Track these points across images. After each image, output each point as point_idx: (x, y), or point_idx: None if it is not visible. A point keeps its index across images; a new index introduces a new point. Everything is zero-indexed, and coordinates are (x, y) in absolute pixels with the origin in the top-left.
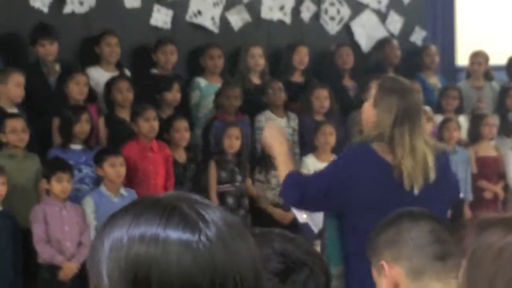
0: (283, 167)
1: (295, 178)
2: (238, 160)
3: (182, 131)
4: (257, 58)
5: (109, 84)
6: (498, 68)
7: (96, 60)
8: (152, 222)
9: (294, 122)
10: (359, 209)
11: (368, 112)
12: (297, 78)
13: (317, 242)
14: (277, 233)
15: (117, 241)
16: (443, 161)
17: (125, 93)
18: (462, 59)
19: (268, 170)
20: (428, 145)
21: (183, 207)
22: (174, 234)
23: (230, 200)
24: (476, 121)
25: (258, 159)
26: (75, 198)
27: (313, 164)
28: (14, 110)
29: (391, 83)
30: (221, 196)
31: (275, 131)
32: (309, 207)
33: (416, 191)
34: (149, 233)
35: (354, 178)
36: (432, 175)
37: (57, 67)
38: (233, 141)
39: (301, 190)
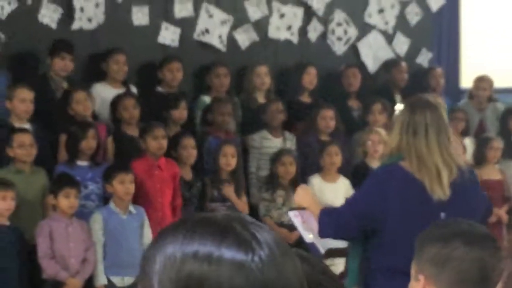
0: (315, 209)
1: (328, 214)
2: (233, 179)
3: (189, 149)
4: (263, 77)
5: (115, 102)
6: (501, 91)
7: (102, 76)
8: (206, 240)
9: (291, 143)
10: (392, 228)
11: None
12: (305, 98)
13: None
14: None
15: (170, 257)
16: (470, 177)
17: (131, 110)
18: (466, 81)
19: (275, 189)
20: (446, 161)
21: (237, 226)
22: (228, 253)
23: None
24: (482, 144)
25: (266, 178)
26: (81, 214)
27: (319, 185)
28: (26, 125)
29: (411, 99)
30: None
31: (306, 194)
32: (346, 235)
33: (441, 195)
34: (203, 251)
35: (387, 198)
36: (447, 191)
37: (65, 84)
38: (228, 159)
39: (335, 223)
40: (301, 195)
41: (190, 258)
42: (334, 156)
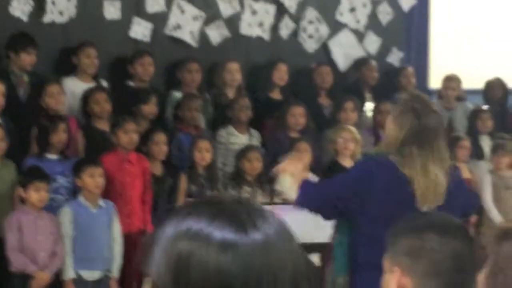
0: (297, 181)
1: (310, 186)
2: (208, 174)
3: (160, 144)
4: (234, 73)
5: (86, 96)
6: (470, 92)
7: (73, 70)
8: (200, 218)
9: (256, 140)
10: (373, 220)
11: (389, 127)
12: (276, 95)
13: None
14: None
15: (166, 235)
16: (455, 175)
17: (103, 104)
18: (434, 81)
19: (241, 185)
20: (443, 167)
21: (237, 208)
22: (218, 231)
23: None
24: (451, 143)
25: (232, 174)
26: (50, 208)
27: (289, 181)
28: None
29: (413, 101)
30: None
31: (296, 162)
32: (321, 210)
33: (424, 209)
34: (194, 228)
35: (371, 188)
36: (442, 197)
37: (26, 78)
38: (203, 154)
39: (315, 190)
40: (290, 163)
41: (182, 236)
42: (304, 152)
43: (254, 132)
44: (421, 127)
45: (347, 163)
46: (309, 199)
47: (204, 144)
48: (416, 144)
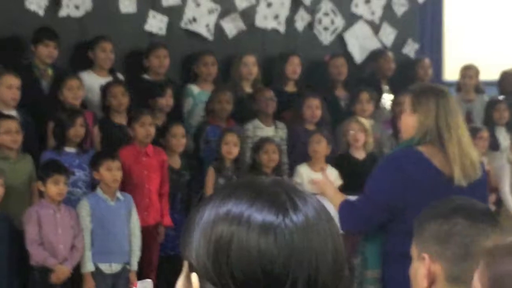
0: (335, 202)
1: (348, 206)
2: (235, 167)
3: (179, 137)
4: (250, 66)
5: (105, 89)
6: (485, 83)
7: (89, 64)
8: (241, 200)
9: (283, 132)
10: (407, 213)
11: (407, 120)
12: (290, 87)
13: None
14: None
15: (206, 219)
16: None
17: (120, 98)
18: (449, 73)
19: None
20: (470, 140)
21: (277, 190)
22: (258, 214)
23: None
24: (470, 134)
25: (248, 167)
26: (68, 201)
27: (306, 173)
28: (13, 112)
29: (423, 87)
30: None
31: (329, 185)
32: (367, 228)
33: (464, 184)
34: (234, 211)
35: (404, 183)
36: (479, 170)
37: (50, 71)
38: (231, 148)
39: (357, 213)
40: (325, 185)
41: (222, 219)
42: (316, 144)
43: (280, 124)
44: (447, 103)
45: (359, 154)
46: (352, 224)
47: (231, 138)
48: (451, 120)
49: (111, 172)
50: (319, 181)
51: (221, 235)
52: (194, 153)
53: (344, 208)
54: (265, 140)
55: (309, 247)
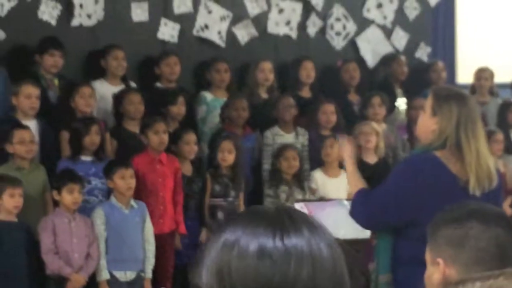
0: (352, 183)
1: (362, 198)
2: (233, 175)
3: (191, 144)
4: (267, 73)
5: (119, 97)
6: (498, 86)
7: (101, 73)
8: (236, 227)
9: (304, 138)
10: (419, 219)
11: (426, 122)
12: (305, 93)
13: None
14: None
15: (208, 250)
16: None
17: (137, 105)
18: (462, 76)
19: (278, 185)
20: (488, 149)
21: (276, 214)
22: (254, 239)
23: (220, 215)
24: (491, 139)
25: (269, 174)
26: (84, 209)
27: (321, 179)
28: (32, 121)
29: (447, 91)
30: (212, 210)
31: (349, 148)
32: (378, 226)
33: (478, 194)
34: (230, 238)
35: (420, 189)
36: (495, 180)
37: (56, 81)
38: (225, 155)
39: (368, 211)
40: (347, 148)
41: (220, 248)
42: (329, 148)
43: (301, 130)
44: (469, 110)
45: (371, 159)
46: (359, 216)
47: (226, 145)
48: (470, 128)
49: (124, 180)
50: (345, 148)
51: (221, 265)
52: (209, 160)
53: (358, 198)
54: (285, 147)
55: (306, 273)
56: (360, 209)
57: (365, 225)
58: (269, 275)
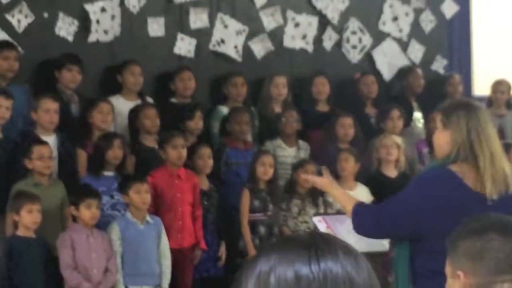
0: (346, 201)
1: (366, 207)
2: (270, 189)
3: (205, 158)
4: (281, 87)
5: (135, 111)
6: None
7: (118, 89)
8: (272, 255)
9: (305, 153)
10: (437, 234)
11: (439, 136)
12: (322, 107)
13: None
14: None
15: (245, 280)
16: None
17: (153, 119)
18: (478, 89)
19: (291, 198)
20: (503, 153)
21: (308, 240)
22: (289, 268)
23: (261, 229)
24: (504, 150)
25: (285, 187)
26: (107, 224)
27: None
28: (52, 136)
29: (454, 103)
30: (253, 225)
31: (324, 177)
32: (384, 234)
33: (495, 198)
34: (264, 269)
35: (435, 203)
36: (511, 184)
37: (75, 96)
38: (267, 169)
39: (375, 217)
40: (321, 179)
41: (256, 281)
42: (344, 162)
43: (303, 144)
44: (477, 117)
45: (391, 172)
46: (367, 228)
47: (268, 159)
48: (482, 133)
49: (140, 195)
50: (319, 180)
51: None
52: (213, 175)
53: (361, 209)
54: (305, 161)
55: None
56: (367, 220)
57: (372, 235)
58: None
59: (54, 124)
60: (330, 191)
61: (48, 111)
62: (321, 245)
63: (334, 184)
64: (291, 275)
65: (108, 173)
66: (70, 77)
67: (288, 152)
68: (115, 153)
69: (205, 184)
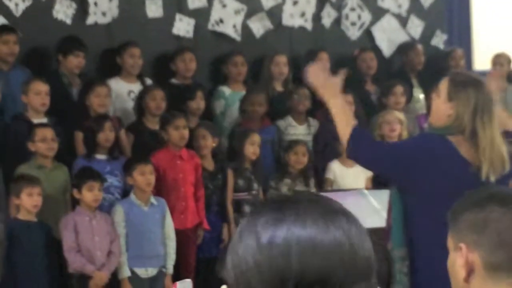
0: (342, 122)
1: (366, 135)
2: (254, 168)
3: (200, 139)
4: (281, 66)
5: (143, 92)
6: None
7: (117, 71)
8: (263, 219)
9: (315, 129)
10: (429, 197)
11: (441, 107)
12: None
13: None
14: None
15: (248, 250)
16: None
17: (159, 102)
18: (478, 63)
19: (282, 178)
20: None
21: (312, 207)
22: (303, 230)
23: (246, 208)
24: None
25: (275, 167)
26: (102, 207)
27: (338, 169)
28: (43, 119)
29: (464, 76)
30: (238, 204)
31: (320, 72)
32: (377, 168)
33: (492, 179)
34: (278, 237)
35: (430, 164)
36: (507, 166)
37: (77, 79)
38: (255, 148)
39: (372, 147)
40: (314, 73)
41: (268, 249)
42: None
43: (313, 122)
44: (485, 98)
45: None
46: (362, 151)
47: (257, 138)
48: (486, 115)
49: (144, 176)
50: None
51: (272, 265)
52: (229, 155)
53: (360, 133)
54: (296, 142)
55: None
56: (365, 147)
57: (364, 161)
58: (286, 265)
59: (45, 106)
60: (331, 100)
61: (39, 93)
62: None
63: (338, 94)
64: (279, 237)
65: (101, 156)
66: (77, 62)
67: (299, 130)
68: (106, 135)
69: (210, 165)
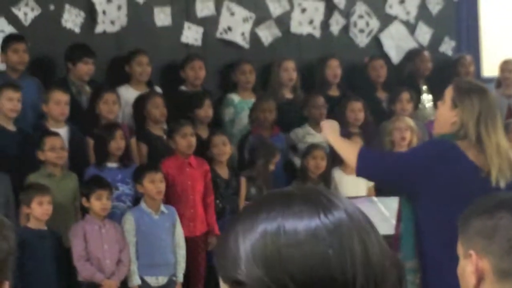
0: (346, 147)
1: (373, 152)
2: (264, 176)
3: (220, 146)
4: (290, 72)
5: (142, 100)
6: None
7: (126, 79)
8: (274, 212)
9: None
10: (442, 202)
11: (446, 114)
12: (333, 91)
13: None
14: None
15: (246, 238)
16: None
17: (161, 108)
18: (487, 70)
19: (303, 183)
20: (506, 142)
21: (309, 193)
22: (299, 222)
23: None
24: (508, 130)
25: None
26: (113, 215)
27: (338, 176)
28: (63, 128)
29: (469, 84)
30: None
31: (333, 128)
32: (389, 182)
33: (502, 185)
34: (270, 228)
35: (441, 168)
36: None
37: (87, 87)
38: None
39: (382, 162)
40: (328, 129)
41: (266, 234)
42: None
43: None
44: (489, 105)
45: None
46: (371, 168)
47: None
48: (490, 122)
49: (154, 184)
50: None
51: (268, 255)
52: (238, 163)
53: (367, 153)
54: (314, 146)
55: (358, 242)
56: (371, 161)
57: (373, 177)
58: (325, 255)
59: (65, 116)
60: (331, 135)
61: (59, 103)
62: (323, 198)
63: (337, 133)
64: (303, 231)
65: (112, 165)
66: (86, 69)
67: (317, 138)
68: (117, 143)
69: (225, 173)
